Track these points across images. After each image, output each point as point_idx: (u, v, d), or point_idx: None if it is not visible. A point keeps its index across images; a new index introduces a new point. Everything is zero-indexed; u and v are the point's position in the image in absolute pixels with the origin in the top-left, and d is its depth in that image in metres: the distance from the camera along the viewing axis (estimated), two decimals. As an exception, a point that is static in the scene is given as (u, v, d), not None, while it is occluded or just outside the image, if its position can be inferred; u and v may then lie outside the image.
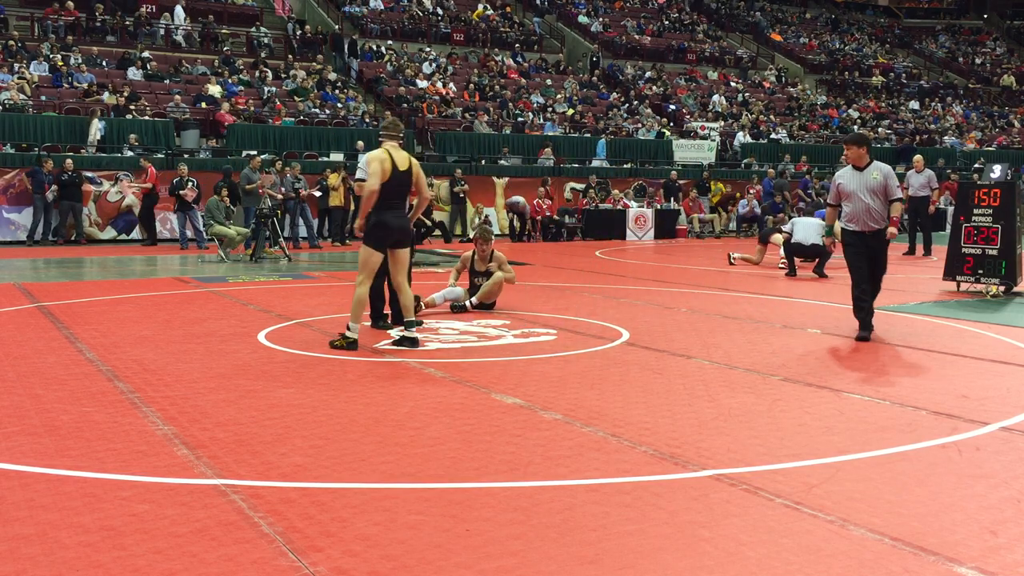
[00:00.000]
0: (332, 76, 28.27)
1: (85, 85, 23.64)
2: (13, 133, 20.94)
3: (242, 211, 18.67)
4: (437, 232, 22.26)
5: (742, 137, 30.95)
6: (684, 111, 32.49)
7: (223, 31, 29.17)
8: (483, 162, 25.20)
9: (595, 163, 26.93)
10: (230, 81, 26.05)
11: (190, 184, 18.72)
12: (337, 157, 22.60)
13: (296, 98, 25.96)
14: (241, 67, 27.32)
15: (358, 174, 7.92)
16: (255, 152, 20.81)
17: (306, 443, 4.88)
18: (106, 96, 23.28)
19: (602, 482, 4.28)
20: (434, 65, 30.56)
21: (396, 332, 8.51)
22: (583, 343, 8.04)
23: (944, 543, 3.60)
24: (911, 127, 36.40)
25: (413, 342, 7.75)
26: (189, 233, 19.29)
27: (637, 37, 37.88)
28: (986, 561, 3.43)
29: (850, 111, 36.72)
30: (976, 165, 29.49)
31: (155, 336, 8.23)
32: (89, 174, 19.99)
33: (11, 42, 24.85)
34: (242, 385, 6.28)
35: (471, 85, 30.00)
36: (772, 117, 34.03)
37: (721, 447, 4.86)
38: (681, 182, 26.05)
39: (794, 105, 36.14)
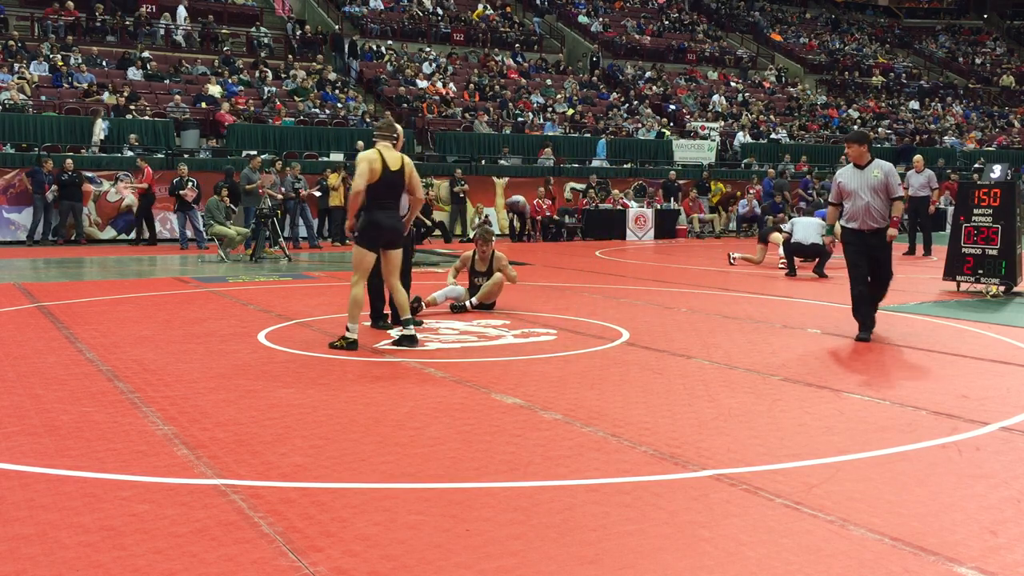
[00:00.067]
0: (332, 76, 28.27)
1: (85, 85, 23.64)
2: (13, 133, 20.94)
3: (242, 211, 18.67)
4: (437, 232, 22.26)
5: (742, 137, 30.95)
6: (684, 111, 32.49)
7: (223, 31, 29.17)
8: (483, 162, 25.21)
9: (595, 163, 26.93)
10: (230, 81, 26.05)
11: (190, 184, 18.72)
12: (337, 157, 22.61)
13: (296, 98, 25.97)
14: (241, 67, 27.32)
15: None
16: (255, 152, 20.81)
17: (306, 443, 4.88)
18: (106, 96, 23.28)
19: (602, 482, 4.28)
20: (434, 65, 30.57)
21: (396, 332, 8.51)
22: (583, 343, 8.04)
23: (944, 543, 3.60)
24: (911, 127, 36.41)
25: (412, 340, 7.76)
26: (189, 233, 19.29)
27: (637, 37, 37.88)
28: (986, 561, 3.44)
29: (850, 111, 36.72)
30: (976, 165, 29.49)
31: (155, 336, 8.23)
32: (89, 174, 19.98)
33: (11, 42, 24.85)
34: (242, 385, 6.28)
35: (471, 85, 30.00)
36: (772, 117, 34.03)
37: (721, 447, 4.86)
38: (681, 182, 26.05)
39: (794, 105, 36.14)
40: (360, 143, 22.33)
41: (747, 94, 35.73)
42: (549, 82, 32.13)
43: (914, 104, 39.43)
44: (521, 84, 31.42)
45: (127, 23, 27.76)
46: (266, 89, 26.08)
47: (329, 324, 8.87)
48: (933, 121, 37.85)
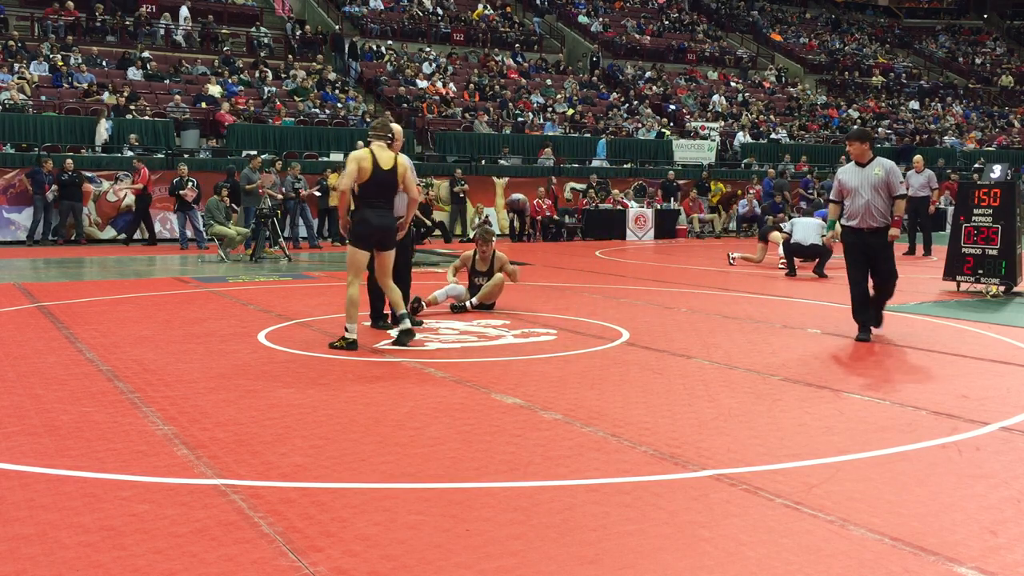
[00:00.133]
0: (332, 76, 28.27)
1: (85, 85, 23.64)
2: (13, 133, 20.94)
3: (242, 211, 18.67)
4: (437, 232, 22.27)
5: (742, 137, 30.95)
6: (684, 111, 32.50)
7: (223, 31, 29.17)
8: (483, 162, 25.21)
9: (595, 163, 26.93)
10: (230, 81, 26.05)
11: (190, 184, 18.72)
12: (337, 157, 22.58)
13: (296, 98, 25.97)
14: (241, 67, 27.32)
15: None
16: (255, 152, 20.81)
17: (306, 443, 4.88)
18: (106, 96, 23.28)
19: (602, 482, 4.28)
20: (434, 65, 30.57)
21: (396, 332, 8.51)
22: (583, 343, 8.03)
23: (944, 543, 3.60)
24: (911, 127, 36.41)
25: (408, 333, 7.77)
26: (189, 233, 19.29)
27: (637, 37, 37.88)
28: (986, 561, 3.44)
29: (850, 111, 36.72)
30: (976, 165, 29.49)
31: (155, 336, 8.24)
32: (89, 174, 19.99)
33: (11, 42, 24.86)
34: (242, 385, 6.28)
35: (471, 85, 30.01)
36: (772, 117, 34.03)
37: (721, 447, 4.86)
38: (680, 182, 26.06)
39: (794, 105, 36.14)
40: (360, 143, 22.28)
41: (747, 94, 35.74)
42: (549, 82, 32.13)
43: (914, 104, 39.44)
44: (521, 84, 31.43)
45: (127, 23, 27.77)
46: (266, 89, 26.08)
47: (329, 324, 8.87)
48: (933, 121, 37.85)
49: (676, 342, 8.14)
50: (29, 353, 7.33)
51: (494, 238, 10.40)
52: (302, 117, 24.81)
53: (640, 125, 30.23)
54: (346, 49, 29.85)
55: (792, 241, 14.70)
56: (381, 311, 8.92)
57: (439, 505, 3.97)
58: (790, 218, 17.66)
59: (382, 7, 33.71)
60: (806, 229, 14.70)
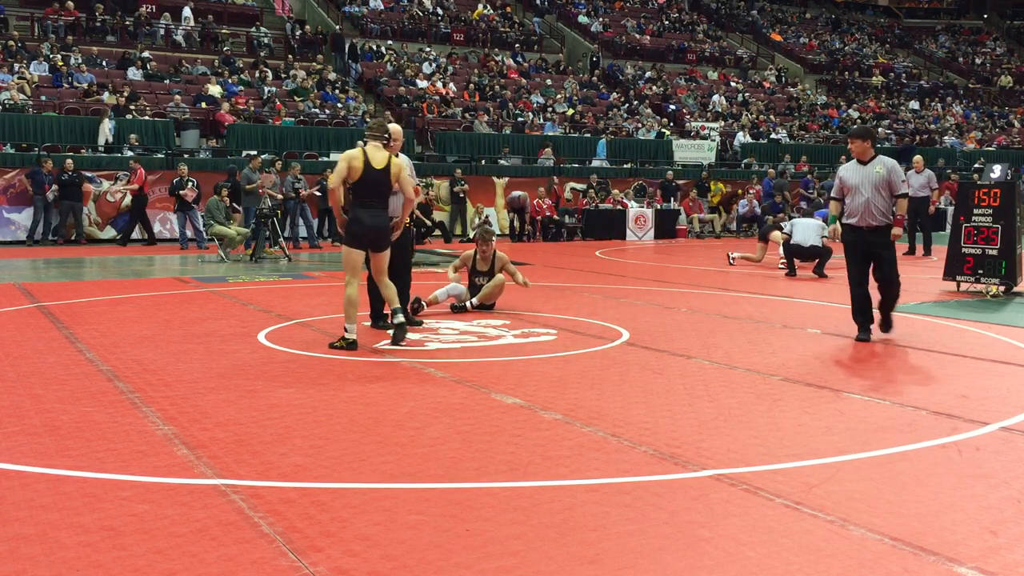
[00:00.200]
0: (332, 76, 28.28)
1: (85, 85, 23.64)
2: (13, 133, 20.94)
3: (243, 211, 18.67)
4: (437, 232, 22.27)
5: (742, 137, 30.95)
6: (684, 111, 32.50)
7: (223, 31, 29.18)
8: (483, 162, 25.21)
9: (595, 163, 26.94)
10: (230, 81, 26.05)
11: (190, 184, 18.72)
12: (337, 157, 22.53)
13: (296, 98, 25.97)
14: (241, 67, 27.33)
15: None
16: (255, 152, 20.81)
17: (306, 443, 4.88)
18: (106, 96, 23.28)
19: (602, 482, 4.28)
20: (434, 65, 30.57)
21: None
22: (583, 343, 8.03)
23: (944, 543, 3.60)
24: (911, 127, 36.41)
25: (402, 328, 7.77)
26: (189, 233, 19.29)
27: (637, 37, 37.89)
28: (986, 561, 3.43)
29: (850, 111, 36.72)
30: (976, 165, 29.50)
31: (155, 336, 8.23)
32: (89, 174, 19.99)
33: (11, 42, 24.85)
34: (242, 385, 6.28)
35: (471, 85, 30.01)
36: (772, 117, 34.03)
37: (721, 447, 4.86)
38: (680, 182, 26.07)
39: (794, 105, 36.14)
40: (360, 143, 22.32)
41: (747, 94, 35.74)
42: (549, 82, 32.13)
43: (914, 104, 39.44)
44: (521, 84, 31.43)
45: (127, 23, 27.77)
46: (266, 89, 26.08)
47: (329, 324, 8.87)
48: (933, 121, 37.85)
49: (676, 342, 8.14)
50: (29, 353, 7.33)
51: (494, 238, 10.40)
52: (302, 117, 24.81)
53: (640, 125, 30.24)
54: (346, 49, 29.86)
55: (792, 242, 14.70)
56: (381, 311, 8.92)
57: (439, 505, 3.97)
58: (790, 218, 17.65)
59: (382, 7, 33.71)
60: (806, 230, 14.69)
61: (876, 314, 8.43)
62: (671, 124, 31.18)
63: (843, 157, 29.11)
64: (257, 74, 26.93)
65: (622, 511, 3.90)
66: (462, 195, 23.08)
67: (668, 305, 10.76)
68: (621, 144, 28.50)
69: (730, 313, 10.05)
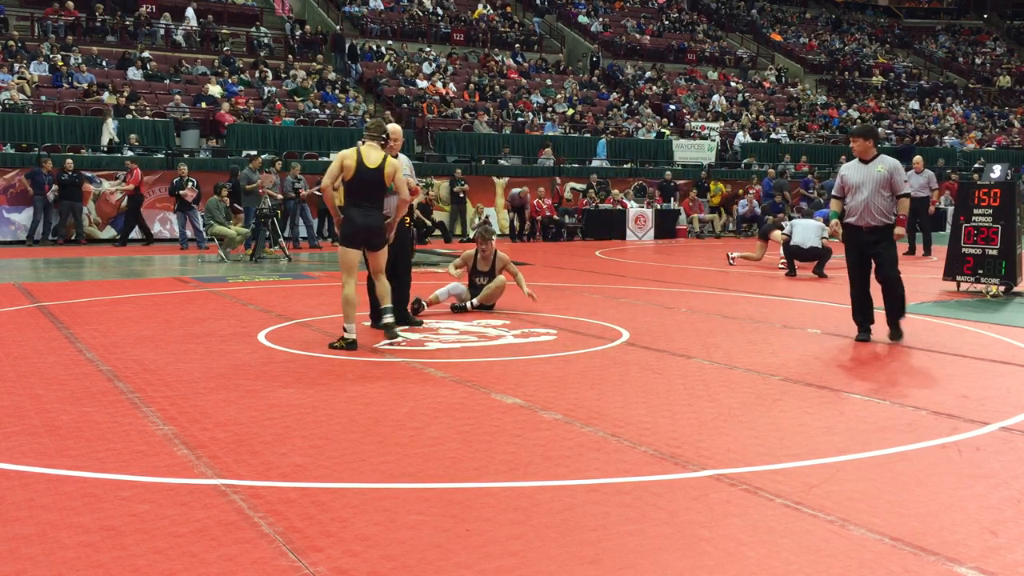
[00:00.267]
0: (332, 76, 28.28)
1: (85, 85, 23.64)
2: (13, 133, 20.94)
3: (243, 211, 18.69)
4: (437, 232, 22.27)
5: (742, 137, 30.95)
6: (684, 111, 32.50)
7: (223, 31, 29.18)
8: (483, 162, 25.21)
9: (595, 163, 26.94)
10: (230, 81, 26.06)
11: (190, 184, 18.72)
12: (337, 157, 22.58)
13: (296, 98, 25.97)
14: (241, 67, 27.33)
15: None
16: (255, 152, 20.81)
17: (306, 443, 4.88)
18: (106, 96, 23.28)
19: (602, 482, 4.28)
20: (434, 65, 30.57)
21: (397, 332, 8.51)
22: (583, 343, 8.03)
23: (944, 543, 3.60)
24: (911, 127, 36.42)
25: (390, 328, 7.81)
26: (189, 233, 19.29)
27: (637, 37, 37.89)
28: (986, 561, 3.44)
29: (850, 111, 36.72)
30: (976, 165, 29.50)
31: (155, 336, 8.24)
32: (89, 174, 19.99)
33: (11, 42, 24.85)
34: (242, 385, 6.28)
35: (471, 85, 30.01)
36: (772, 117, 34.04)
37: (721, 447, 4.87)
38: (679, 182, 26.07)
39: (794, 105, 36.15)
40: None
41: (747, 94, 35.74)
42: (549, 82, 32.14)
43: (914, 104, 39.44)
44: (521, 84, 31.43)
45: (127, 23, 27.77)
46: (266, 89, 26.08)
47: (329, 324, 8.87)
48: (933, 121, 37.86)
49: (676, 342, 8.14)
50: (29, 353, 7.33)
51: (494, 237, 10.39)
52: (302, 117, 24.81)
53: (640, 125, 30.24)
54: (346, 49, 29.86)
55: (791, 243, 14.69)
56: (381, 311, 8.90)
57: (439, 505, 3.97)
58: (790, 218, 17.65)
59: (382, 7, 33.71)
60: (805, 231, 14.68)
61: (878, 315, 8.40)
62: (671, 124, 31.18)
63: (843, 157, 29.15)
64: (257, 74, 26.94)
65: (622, 511, 3.90)
66: (462, 195, 23.08)
67: (668, 305, 10.76)
68: (621, 144, 28.51)
69: (730, 313, 10.05)
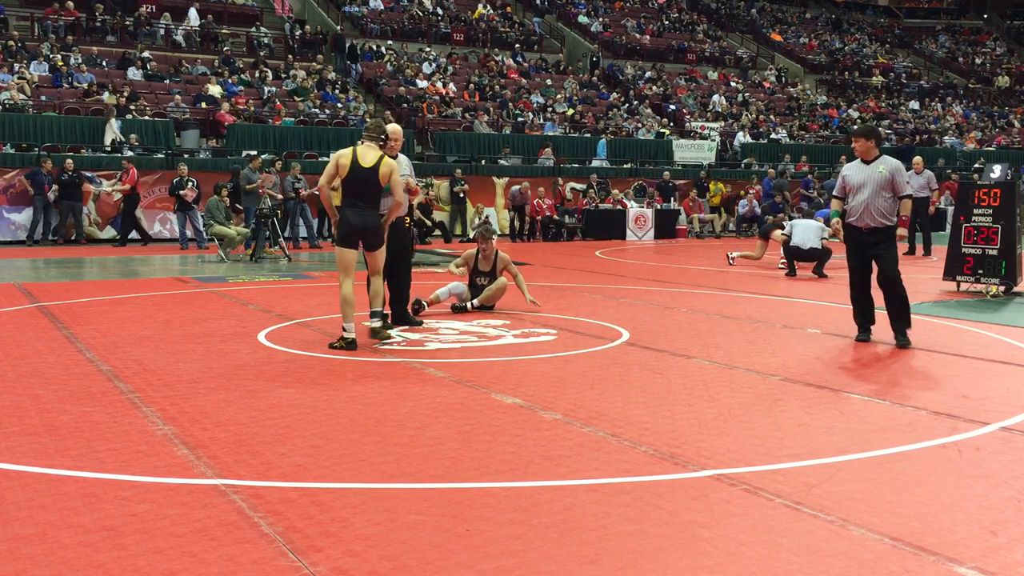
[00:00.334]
0: (332, 76, 28.28)
1: (85, 85, 23.64)
2: (13, 133, 20.94)
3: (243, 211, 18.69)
4: (437, 232, 22.26)
5: (742, 137, 30.95)
6: (684, 111, 32.50)
7: (223, 31, 29.18)
8: (483, 162, 25.21)
9: (595, 163, 26.94)
10: (230, 81, 26.06)
11: (190, 184, 18.72)
12: (337, 157, 22.56)
13: (296, 98, 25.97)
14: (241, 67, 27.33)
15: None
16: (255, 152, 20.81)
17: (306, 443, 4.88)
18: (106, 96, 23.28)
19: (602, 482, 4.28)
20: (434, 65, 30.57)
21: (396, 332, 8.52)
22: (583, 343, 8.03)
23: (944, 543, 3.60)
24: (911, 127, 36.42)
25: (376, 332, 7.82)
26: (189, 233, 19.29)
27: (637, 37, 37.89)
28: (986, 561, 3.44)
29: (850, 111, 36.73)
30: (976, 165, 29.50)
31: (155, 336, 8.23)
32: (89, 174, 19.98)
33: (11, 42, 24.85)
34: (242, 385, 6.28)
35: (471, 85, 30.01)
36: (772, 117, 34.04)
37: (721, 447, 4.86)
38: (679, 182, 26.07)
39: (794, 105, 36.14)
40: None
41: (747, 94, 35.74)
42: (549, 82, 32.14)
43: (914, 104, 39.45)
44: (521, 84, 31.43)
45: (127, 23, 27.77)
46: (266, 89, 26.08)
47: (329, 324, 8.87)
48: (933, 121, 37.86)
49: (676, 342, 8.14)
50: (29, 353, 7.33)
51: (495, 237, 10.38)
52: (302, 117, 24.81)
53: (640, 125, 30.24)
54: (346, 49, 29.86)
55: (791, 243, 14.69)
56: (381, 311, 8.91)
57: (439, 505, 3.97)
58: (790, 218, 17.64)
59: (382, 7, 33.71)
60: (805, 232, 14.68)
61: (879, 315, 8.40)
62: (671, 124, 31.18)
63: (843, 157, 29.16)
64: (257, 74, 26.94)
65: (622, 511, 3.90)
66: (462, 195, 23.08)
67: (668, 305, 10.76)
68: (621, 144, 28.51)
69: (730, 313, 10.05)
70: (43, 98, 22.68)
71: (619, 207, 24.48)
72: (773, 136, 32.02)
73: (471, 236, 21.69)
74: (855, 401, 5.98)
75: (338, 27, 31.71)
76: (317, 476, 4.34)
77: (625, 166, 27.53)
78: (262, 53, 28.89)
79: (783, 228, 15.69)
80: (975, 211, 11.87)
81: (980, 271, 11.77)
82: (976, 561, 3.43)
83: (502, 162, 25.57)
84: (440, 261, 16.30)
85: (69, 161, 19.32)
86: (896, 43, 47.69)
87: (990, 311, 10.35)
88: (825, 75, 40.56)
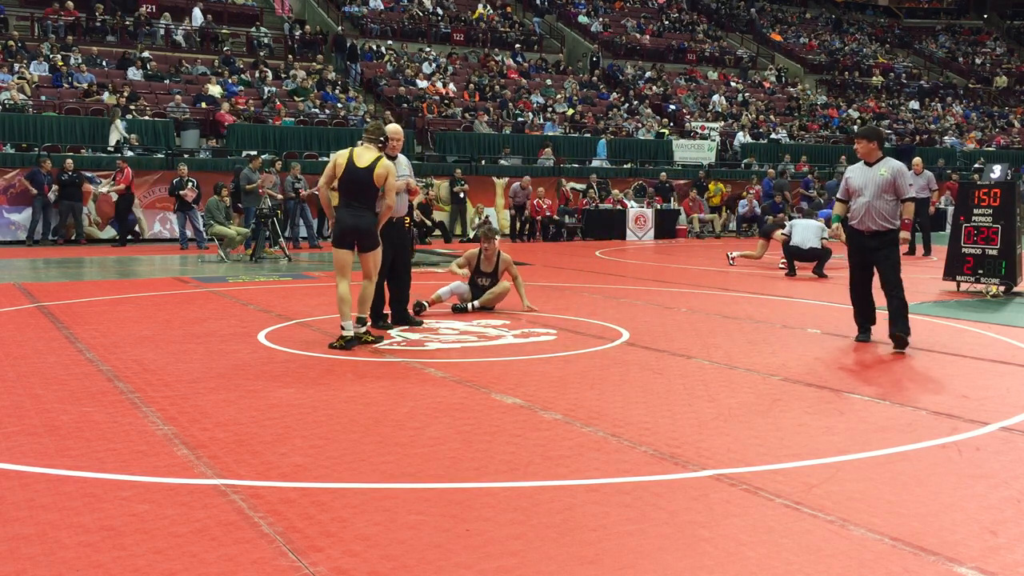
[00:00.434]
0: (332, 76, 28.28)
1: (85, 85, 23.64)
2: (13, 133, 20.94)
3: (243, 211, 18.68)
4: (437, 232, 22.27)
5: (742, 137, 30.95)
6: (684, 111, 32.50)
7: (223, 31, 29.18)
8: (483, 162, 25.21)
9: (595, 163, 26.94)
10: (230, 81, 26.06)
11: (190, 184, 18.72)
12: (337, 157, 22.56)
13: (296, 98, 25.97)
14: (241, 67, 27.33)
15: None
16: (255, 152, 20.81)
17: (306, 443, 4.88)
18: (106, 96, 23.28)
19: (602, 482, 4.28)
20: (434, 65, 30.58)
21: (396, 332, 8.52)
22: (583, 343, 8.03)
23: (944, 543, 3.60)
24: (911, 127, 36.42)
25: (351, 340, 7.61)
26: (189, 233, 19.29)
27: (637, 37, 37.89)
28: (986, 561, 3.44)
29: (850, 111, 36.73)
30: (976, 165, 29.50)
31: (155, 336, 8.23)
32: (89, 174, 19.98)
33: (11, 42, 24.86)
34: (242, 385, 6.28)
35: (471, 85, 30.01)
36: (772, 117, 34.03)
37: (721, 447, 4.86)
38: (679, 182, 26.07)
39: (794, 105, 36.15)
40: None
41: (747, 94, 35.74)
42: (549, 82, 32.13)
43: (914, 104, 39.45)
44: (521, 84, 31.43)
45: (127, 23, 27.77)
46: (266, 89, 26.08)
47: (329, 324, 8.87)
48: (933, 121, 37.86)
49: (676, 342, 8.14)
50: (29, 353, 7.33)
51: (497, 236, 10.36)
52: (302, 117, 24.82)
53: (640, 125, 30.23)
54: (346, 49, 29.86)
55: (791, 244, 14.69)
56: (381, 310, 8.92)
57: (439, 505, 3.97)
58: (790, 218, 17.64)
59: (382, 7, 33.71)
60: (805, 232, 14.68)
61: (879, 315, 8.39)
62: (671, 124, 31.18)
63: (843, 157, 29.18)
64: (257, 74, 26.94)
65: (622, 511, 3.90)
66: (462, 195, 23.08)
67: (668, 305, 10.76)
68: (621, 144, 28.51)
69: (730, 313, 10.05)
70: (43, 98, 22.68)
71: (619, 207, 24.48)
72: (773, 136, 32.02)
73: (471, 236, 21.70)
74: (855, 401, 5.98)
75: (338, 27, 31.72)
76: (317, 476, 4.34)
77: (625, 166, 27.53)
78: (262, 53, 28.89)
79: (784, 225, 15.70)
80: (975, 211, 11.87)
81: (980, 271, 11.78)
82: (976, 561, 3.43)
83: (502, 162, 25.57)
84: (440, 261, 16.30)
85: (69, 161, 19.32)
86: (896, 43, 47.69)
87: (990, 311, 10.35)
88: (825, 75, 40.56)
